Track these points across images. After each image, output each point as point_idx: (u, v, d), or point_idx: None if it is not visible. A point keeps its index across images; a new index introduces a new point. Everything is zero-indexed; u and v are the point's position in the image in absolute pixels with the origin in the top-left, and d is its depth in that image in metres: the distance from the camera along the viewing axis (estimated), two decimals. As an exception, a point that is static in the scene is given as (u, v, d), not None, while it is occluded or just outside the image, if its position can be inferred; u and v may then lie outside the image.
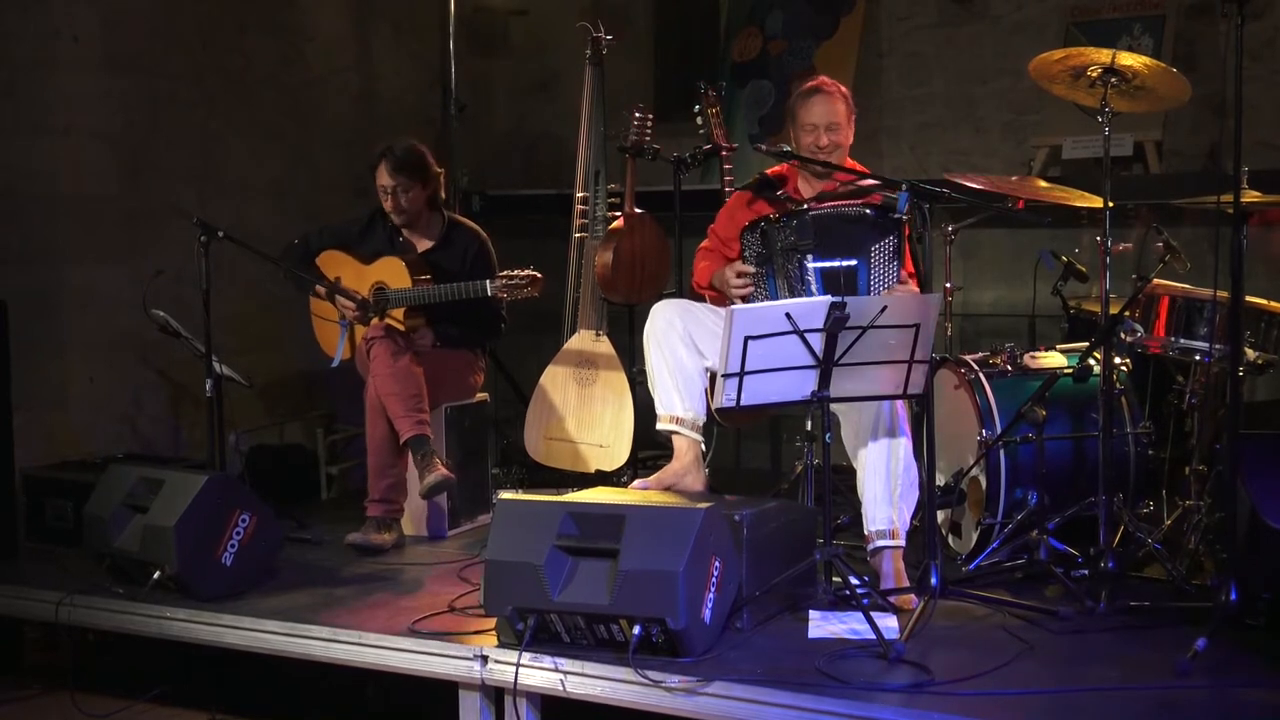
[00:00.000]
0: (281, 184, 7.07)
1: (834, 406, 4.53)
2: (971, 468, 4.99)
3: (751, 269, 4.71)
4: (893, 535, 4.55)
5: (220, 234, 5.19)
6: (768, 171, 5.10)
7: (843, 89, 4.97)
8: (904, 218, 4.50)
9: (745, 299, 4.69)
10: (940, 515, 5.03)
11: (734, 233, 4.85)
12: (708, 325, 4.80)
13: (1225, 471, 4.23)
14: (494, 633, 4.14)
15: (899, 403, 4.53)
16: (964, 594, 4.44)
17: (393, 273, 5.56)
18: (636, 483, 4.96)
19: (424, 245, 5.74)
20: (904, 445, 4.57)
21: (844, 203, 4.76)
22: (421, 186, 5.64)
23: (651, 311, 4.89)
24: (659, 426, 4.87)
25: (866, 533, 4.62)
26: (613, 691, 3.89)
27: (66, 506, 5.46)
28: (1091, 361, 4.85)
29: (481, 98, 8.19)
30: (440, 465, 5.28)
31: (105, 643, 5.27)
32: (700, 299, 5.07)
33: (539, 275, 5.30)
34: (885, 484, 4.57)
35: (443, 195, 5.81)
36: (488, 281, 5.34)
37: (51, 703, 4.94)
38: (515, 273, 5.29)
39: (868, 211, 4.62)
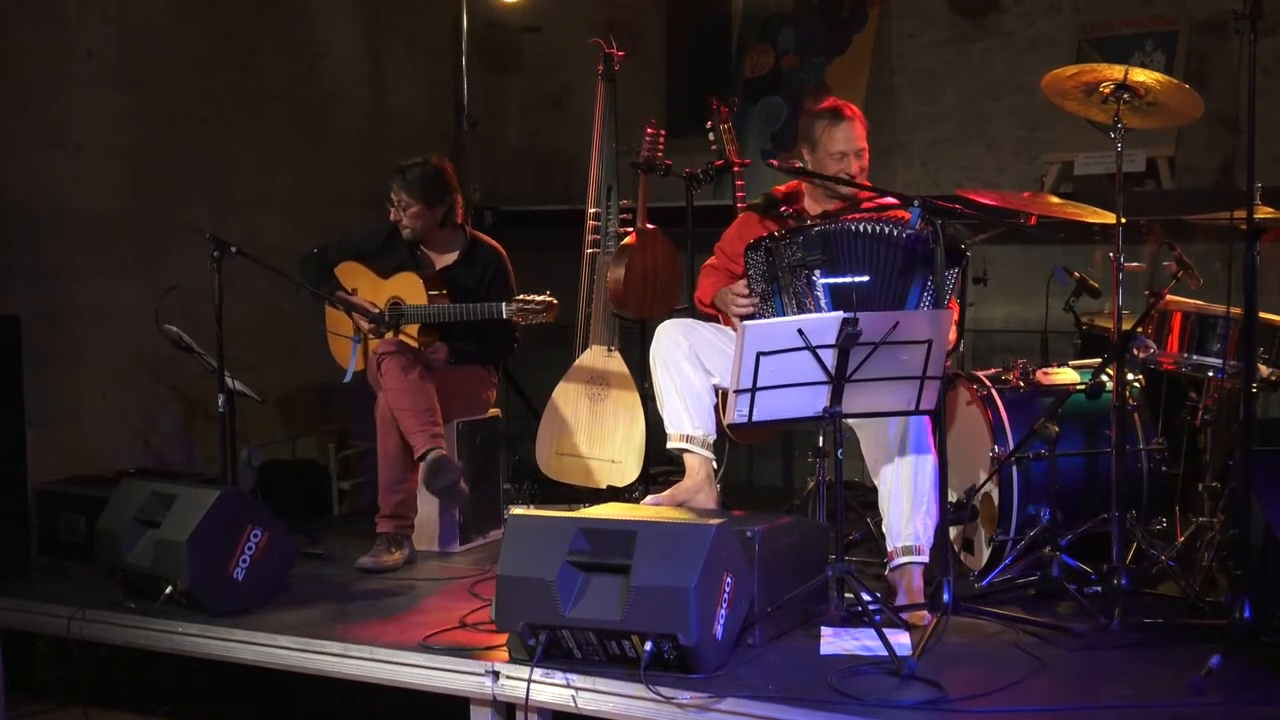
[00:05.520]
0: (294, 199, 7.09)
1: (855, 421, 4.53)
2: (984, 484, 4.98)
3: (749, 291, 4.68)
4: (918, 551, 4.54)
5: (233, 249, 5.20)
6: (775, 190, 5.10)
7: (856, 109, 4.97)
8: (967, 254, 4.50)
9: (747, 318, 4.67)
10: (953, 531, 5.02)
11: (741, 250, 4.84)
12: (713, 343, 4.81)
13: (1239, 488, 4.22)
14: (505, 648, 4.15)
15: (925, 418, 4.51)
16: (977, 610, 4.43)
17: (409, 288, 5.57)
18: (648, 499, 4.97)
19: (445, 261, 5.76)
20: (929, 461, 4.55)
21: (861, 216, 4.75)
22: (425, 207, 5.63)
23: (656, 332, 4.91)
24: (669, 445, 4.88)
25: (890, 549, 4.60)
26: (624, 708, 3.88)
27: (79, 521, 5.46)
28: (1104, 378, 4.84)
29: (494, 113, 8.21)
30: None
31: (117, 657, 5.27)
32: (704, 315, 5.07)
33: (555, 302, 5.29)
34: (912, 499, 4.55)
35: (458, 218, 5.79)
36: (504, 304, 5.34)
37: (64, 717, 4.95)
38: (531, 297, 5.28)
39: (906, 236, 4.55)
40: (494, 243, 5.88)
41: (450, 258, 5.77)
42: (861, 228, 4.60)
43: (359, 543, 5.50)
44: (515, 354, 5.96)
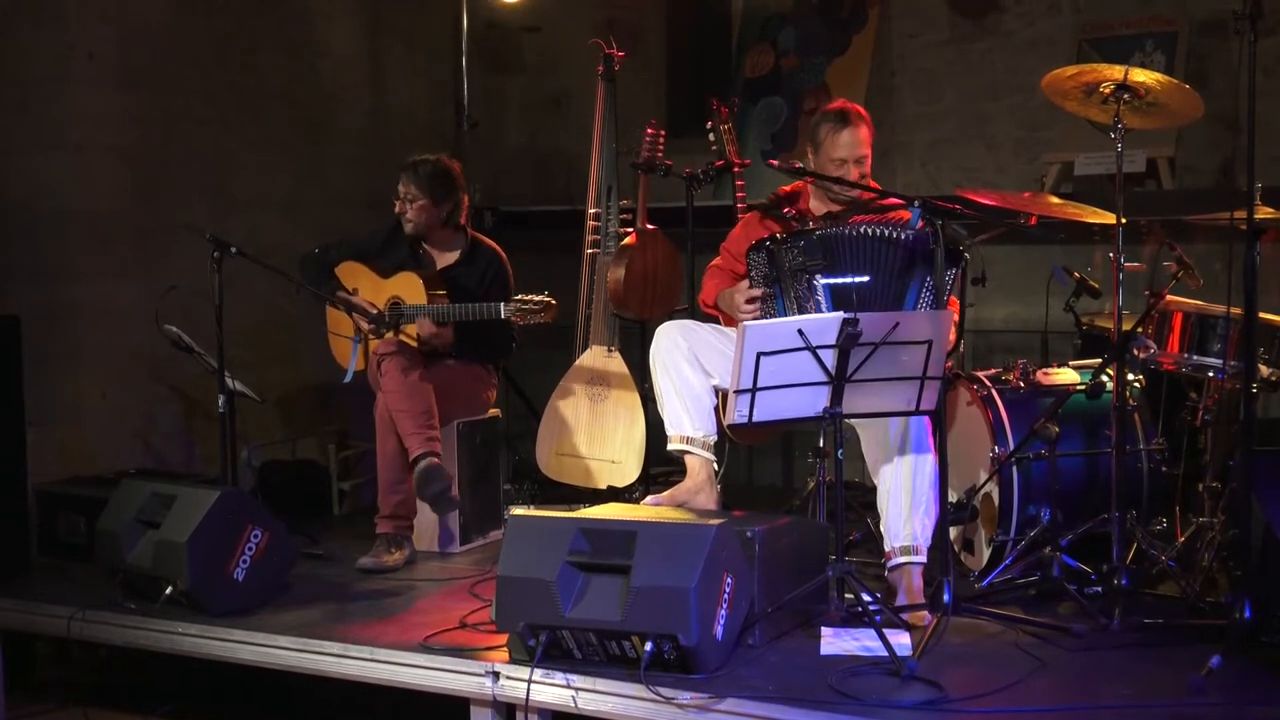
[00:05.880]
0: (294, 199, 7.09)
1: (856, 420, 4.53)
2: (984, 484, 4.98)
3: (759, 292, 4.68)
4: (916, 551, 4.54)
5: (233, 249, 5.20)
6: (780, 190, 5.10)
7: (864, 112, 4.96)
8: (965, 255, 4.49)
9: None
10: (953, 532, 5.02)
11: (744, 250, 4.84)
12: (713, 344, 4.81)
13: (1239, 488, 4.22)
14: (506, 649, 4.14)
15: (925, 418, 4.51)
16: (977, 611, 4.43)
17: (410, 288, 5.58)
18: (648, 499, 4.97)
19: (446, 260, 5.77)
20: (929, 460, 4.55)
21: (863, 218, 4.75)
22: (431, 203, 5.65)
23: (656, 333, 4.91)
24: (670, 447, 4.88)
25: (887, 549, 4.60)
26: (624, 708, 3.88)
27: (79, 522, 5.46)
28: (1104, 378, 4.84)
29: (494, 114, 8.21)
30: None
31: (117, 658, 5.27)
32: (707, 316, 5.07)
33: (553, 302, 5.30)
34: (909, 499, 4.55)
35: (462, 219, 5.80)
36: (502, 304, 5.35)
37: (64, 718, 4.95)
38: (530, 298, 5.30)
39: (907, 236, 4.55)
40: (494, 245, 5.89)
41: (451, 257, 5.78)
42: (861, 231, 4.60)
43: (359, 543, 5.50)
44: (514, 354, 5.95)
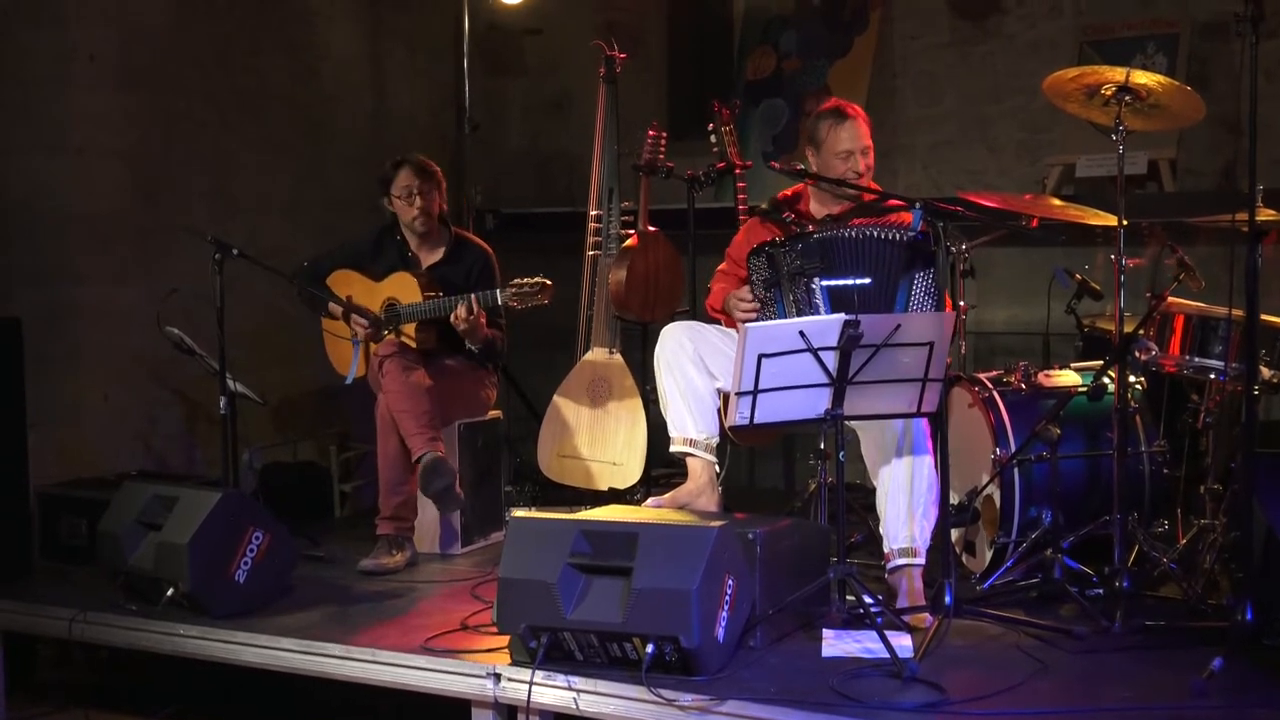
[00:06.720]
0: (294, 201, 7.09)
1: (854, 423, 4.53)
2: (986, 486, 4.98)
3: (752, 295, 4.69)
4: (914, 553, 4.54)
5: (235, 251, 5.20)
6: (779, 195, 5.10)
7: (860, 109, 4.97)
8: (953, 250, 4.48)
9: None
10: (954, 534, 5.02)
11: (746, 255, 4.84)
12: (718, 346, 4.81)
13: (1241, 490, 4.22)
14: (507, 651, 4.14)
15: (922, 419, 4.51)
16: (978, 613, 4.43)
17: (404, 288, 5.58)
18: (650, 501, 4.97)
19: (432, 259, 5.78)
20: (927, 462, 4.56)
21: (865, 221, 4.75)
22: (438, 192, 5.71)
23: (661, 335, 4.91)
24: (673, 449, 4.88)
25: (886, 550, 4.61)
26: (626, 710, 3.88)
27: (80, 524, 5.45)
28: (1106, 380, 4.84)
29: (495, 116, 8.21)
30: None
31: (119, 660, 5.27)
32: (712, 319, 5.07)
33: (549, 283, 5.30)
34: (908, 501, 4.56)
35: (445, 208, 5.83)
36: (498, 290, 5.36)
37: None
38: (525, 280, 5.30)
39: (902, 237, 4.56)
40: (480, 241, 5.90)
41: (437, 256, 5.79)
42: (858, 233, 4.60)
43: (360, 545, 5.50)
44: (514, 355, 5.93)
